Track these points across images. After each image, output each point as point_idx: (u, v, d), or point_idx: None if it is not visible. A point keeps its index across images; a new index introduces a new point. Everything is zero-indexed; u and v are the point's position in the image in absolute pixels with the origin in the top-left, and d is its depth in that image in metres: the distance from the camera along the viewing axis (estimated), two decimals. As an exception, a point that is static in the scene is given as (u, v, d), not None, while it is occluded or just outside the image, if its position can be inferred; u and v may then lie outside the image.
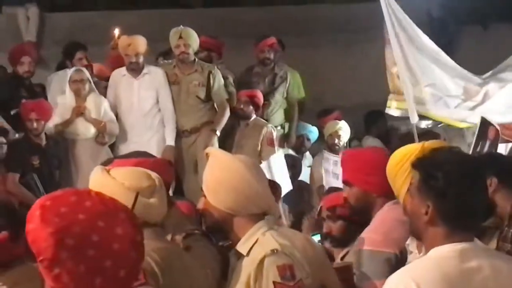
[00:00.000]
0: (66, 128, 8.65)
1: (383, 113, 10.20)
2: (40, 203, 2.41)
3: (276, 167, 8.11)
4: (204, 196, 3.65)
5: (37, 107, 8.30)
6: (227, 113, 9.07)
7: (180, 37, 8.87)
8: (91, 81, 8.78)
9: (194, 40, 8.94)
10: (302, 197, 9.19)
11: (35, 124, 8.21)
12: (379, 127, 10.29)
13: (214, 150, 3.82)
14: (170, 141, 8.84)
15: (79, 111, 8.58)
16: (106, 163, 4.01)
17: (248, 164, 3.63)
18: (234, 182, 3.52)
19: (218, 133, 8.80)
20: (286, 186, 7.99)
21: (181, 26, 8.97)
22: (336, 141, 9.32)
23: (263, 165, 7.58)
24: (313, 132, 10.16)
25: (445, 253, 2.82)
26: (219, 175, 3.58)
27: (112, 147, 8.95)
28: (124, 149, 8.54)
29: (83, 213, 2.38)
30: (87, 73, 8.78)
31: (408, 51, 7.67)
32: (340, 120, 9.65)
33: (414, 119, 7.63)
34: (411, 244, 3.81)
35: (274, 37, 10.11)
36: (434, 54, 7.85)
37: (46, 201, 2.42)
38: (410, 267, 2.90)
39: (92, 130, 8.65)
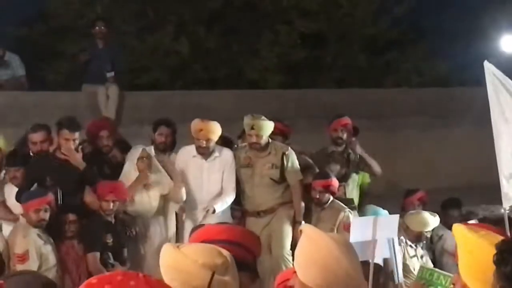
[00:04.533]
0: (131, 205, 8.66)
1: (459, 201, 10.11)
2: (88, 281, 2.46)
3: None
4: (295, 272, 3.60)
5: (115, 189, 8.34)
6: (301, 196, 9.01)
7: (252, 128, 8.89)
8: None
9: (266, 129, 8.90)
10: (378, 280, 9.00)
11: (111, 205, 8.26)
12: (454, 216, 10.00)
13: (307, 227, 3.78)
14: (217, 206, 8.67)
15: (143, 180, 8.61)
16: (195, 228, 3.99)
17: (341, 242, 3.58)
18: (325, 259, 3.47)
19: (302, 222, 8.73)
20: None
21: (254, 115, 8.94)
22: (422, 238, 9.09)
23: None
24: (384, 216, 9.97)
25: None
26: (310, 252, 3.53)
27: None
28: (191, 224, 8.53)
29: None
30: (152, 151, 8.86)
31: None
32: (425, 201, 9.49)
33: (507, 203, 7.34)
34: None
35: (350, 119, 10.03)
36: None
37: (94, 279, 2.46)
38: None
39: (155, 205, 8.66)
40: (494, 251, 3.31)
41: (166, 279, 2.75)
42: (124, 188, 8.44)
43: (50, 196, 7.81)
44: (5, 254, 7.26)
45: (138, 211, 8.72)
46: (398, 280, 8.25)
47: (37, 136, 8.58)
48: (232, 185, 8.88)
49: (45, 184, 8.15)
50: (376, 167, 9.91)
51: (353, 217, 8.86)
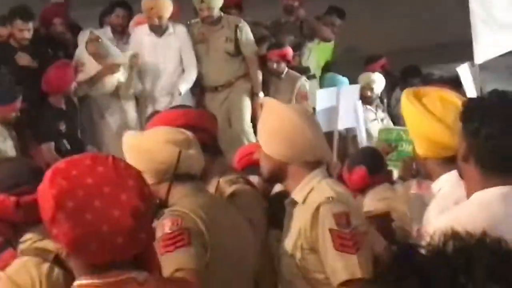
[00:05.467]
0: (92, 85, 8.56)
1: (417, 69, 10.25)
2: (56, 165, 2.45)
3: None
4: (259, 146, 3.63)
5: (65, 76, 8.19)
6: (258, 67, 8.98)
7: (202, 1, 8.75)
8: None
9: (217, 1, 8.78)
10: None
11: (67, 93, 8.21)
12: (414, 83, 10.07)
13: (268, 100, 3.83)
14: (182, 87, 8.67)
15: (113, 69, 8.51)
16: (151, 116, 4.01)
17: (302, 112, 3.62)
18: (288, 131, 3.50)
19: (261, 94, 8.74)
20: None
21: None
22: (369, 93, 9.31)
23: None
24: (344, 84, 10.01)
25: (488, 197, 2.77)
26: (272, 124, 3.57)
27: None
28: (152, 107, 8.56)
29: (92, 178, 2.38)
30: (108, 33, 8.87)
31: None
32: (387, 67, 9.60)
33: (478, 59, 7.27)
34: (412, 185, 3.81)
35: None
36: None
37: (62, 163, 2.46)
38: (456, 214, 2.82)
39: (114, 83, 8.57)
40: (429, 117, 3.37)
41: (130, 162, 2.73)
42: (71, 73, 8.28)
43: (19, 101, 7.62)
44: None
45: (100, 90, 8.62)
46: (362, 144, 8.37)
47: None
48: (193, 62, 8.83)
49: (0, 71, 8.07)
50: (328, 33, 9.90)
51: (316, 89, 8.95)
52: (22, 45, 8.32)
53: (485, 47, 7.02)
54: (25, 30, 8.24)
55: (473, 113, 2.82)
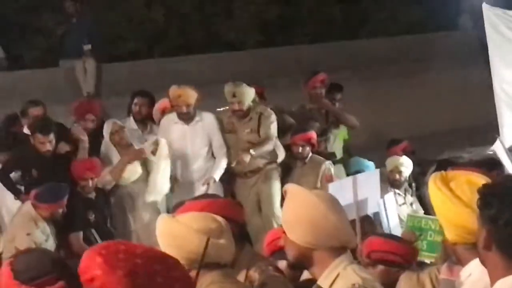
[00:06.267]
0: (117, 175, 8.66)
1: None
2: (96, 251, 2.51)
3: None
4: (284, 232, 3.64)
5: (91, 166, 8.37)
6: (269, 146, 9.01)
7: (234, 96, 8.91)
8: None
9: (248, 96, 8.95)
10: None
11: (90, 183, 8.29)
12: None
13: (291, 186, 3.82)
14: (216, 175, 8.77)
15: (139, 155, 8.62)
16: (177, 205, 4.04)
17: (325, 197, 3.61)
18: (311, 216, 3.51)
19: (248, 156, 8.73)
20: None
21: (235, 82, 8.97)
22: (397, 177, 9.23)
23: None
24: (369, 167, 10.01)
25: (510, 284, 2.75)
26: (296, 211, 3.57)
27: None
28: (178, 193, 8.64)
29: (139, 258, 2.47)
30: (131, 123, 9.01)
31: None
32: (409, 150, 9.55)
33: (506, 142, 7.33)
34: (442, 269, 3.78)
35: (328, 73, 10.04)
36: None
37: (101, 250, 2.51)
38: None
39: (139, 171, 8.67)
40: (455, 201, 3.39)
41: (163, 247, 2.82)
42: (97, 162, 8.45)
43: (65, 199, 7.83)
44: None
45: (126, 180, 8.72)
46: (390, 230, 8.30)
47: (38, 110, 8.85)
48: (224, 149, 8.95)
49: (31, 175, 8.31)
50: (353, 121, 9.98)
51: (342, 173, 8.93)
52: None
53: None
54: (46, 143, 8.39)
55: (491, 199, 2.82)
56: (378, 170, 8.61)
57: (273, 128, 9.04)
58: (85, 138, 8.70)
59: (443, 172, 3.63)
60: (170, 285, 2.45)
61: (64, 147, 8.62)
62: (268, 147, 8.99)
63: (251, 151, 8.74)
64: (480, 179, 3.46)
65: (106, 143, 8.77)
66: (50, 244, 7.73)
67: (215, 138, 8.93)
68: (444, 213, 3.50)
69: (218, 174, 8.79)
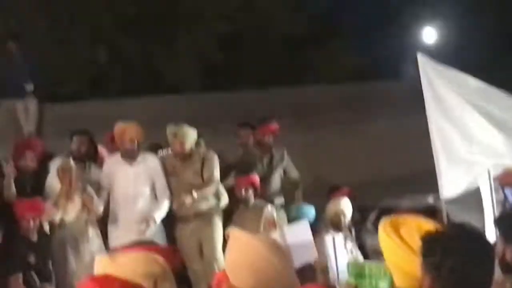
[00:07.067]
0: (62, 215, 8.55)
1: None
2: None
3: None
4: (227, 277, 3.61)
5: (33, 206, 8.22)
6: (212, 189, 8.95)
7: (175, 137, 8.91)
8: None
9: (189, 137, 8.93)
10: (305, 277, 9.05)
11: (31, 223, 8.15)
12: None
13: (234, 231, 3.80)
14: (156, 215, 8.62)
15: (68, 194, 8.53)
16: (110, 253, 3.94)
17: (268, 242, 3.60)
18: (253, 261, 3.49)
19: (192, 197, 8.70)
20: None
21: (177, 123, 8.94)
22: (342, 218, 9.26)
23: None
24: (309, 212, 10.04)
25: None
26: (239, 256, 3.55)
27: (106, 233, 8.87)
28: (120, 235, 8.53)
29: None
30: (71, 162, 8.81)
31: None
32: (351, 196, 9.61)
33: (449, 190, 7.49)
34: None
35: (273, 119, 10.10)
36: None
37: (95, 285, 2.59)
38: None
39: (75, 211, 8.58)
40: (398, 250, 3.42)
41: None
42: (41, 203, 8.33)
43: None
44: None
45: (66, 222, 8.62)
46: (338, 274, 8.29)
47: None
48: (167, 192, 8.84)
49: None
50: (294, 173, 10.06)
51: (276, 226, 8.90)
52: None
53: (450, 183, 7.24)
54: None
55: (434, 247, 2.88)
56: (307, 221, 8.54)
57: (216, 171, 9.05)
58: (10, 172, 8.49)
59: (393, 217, 3.68)
60: None
61: None
62: (210, 189, 8.99)
63: (194, 193, 8.72)
64: (429, 225, 3.52)
65: (51, 178, 8.65)
66: None
67: (158, 181, 8.87)
68: (394, 260, 3.53)
69: (158, 215, 8.70)
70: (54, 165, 8.71)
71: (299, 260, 8.09)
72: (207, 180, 8.92)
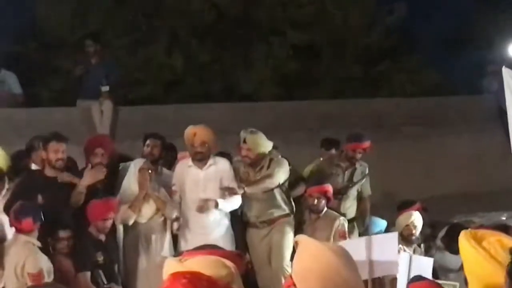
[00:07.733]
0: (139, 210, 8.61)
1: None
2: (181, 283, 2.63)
3: None
4: (294, 284, 3.56)
5: (112, 206, 8.29)
6: (268, 185, 8.86)
7: (244, 142, 8.86)
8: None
9: (258, 145, 8.88)
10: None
11: (105, 223, 8.22)
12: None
13: (304, 238, 3.75)
14: (221, 202, 8.55)
15: (145, 196, 8.58)
16: (177, 255, 3.93)
17: (337, 251, 3.54)
18: (323, 270, 3.43)
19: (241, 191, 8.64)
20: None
21: (251, 129, 8.92)
22: (413, 231, 9.12)
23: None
24: (381, 226, 9.93)
25: None
26: (308, 264, 3.50)
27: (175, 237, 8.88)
28: (189, 239, 8.53)
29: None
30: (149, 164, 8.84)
31: None
32: (423, 210, 9.48)
33: None
34: None
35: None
36: None
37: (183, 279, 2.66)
38: None
39: (150, 213, 8.63)
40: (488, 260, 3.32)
41: None
42: (114, 203, 8.38)
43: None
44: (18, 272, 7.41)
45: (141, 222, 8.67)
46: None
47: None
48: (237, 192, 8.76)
49: (37, 202, 8.10)
50: (366, 191, 9.98)
51: (346, 238, 8.80)
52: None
53: None
54: (60, 152, 8.29)
55: None
56: (396, 233, 8.30)
57: (281, 172, 8.94)
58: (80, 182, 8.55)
59: (472, 230, 3.58)
60: None
61: (67, 178, 8.49)
62: (266, 185, 8.86)
63: (245, 188, 8.65)
64: (510, 241, 3.43)
65: (129, 180, 8.70)
66: (50, 267, 7.64)
67: (228, 182, 8.79)
68: (479, 272, 3.43)
69: (223, 203, 8.60)
70: (131, 168, 8.77)
71: (382, 272, 8.01)
72: (263, 176, 8.84)
